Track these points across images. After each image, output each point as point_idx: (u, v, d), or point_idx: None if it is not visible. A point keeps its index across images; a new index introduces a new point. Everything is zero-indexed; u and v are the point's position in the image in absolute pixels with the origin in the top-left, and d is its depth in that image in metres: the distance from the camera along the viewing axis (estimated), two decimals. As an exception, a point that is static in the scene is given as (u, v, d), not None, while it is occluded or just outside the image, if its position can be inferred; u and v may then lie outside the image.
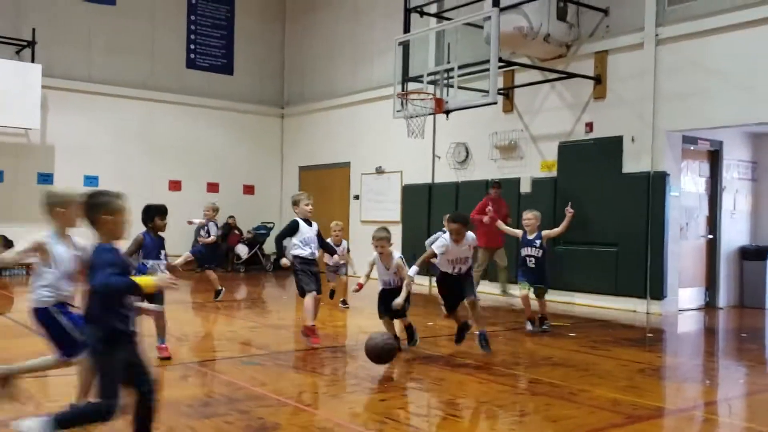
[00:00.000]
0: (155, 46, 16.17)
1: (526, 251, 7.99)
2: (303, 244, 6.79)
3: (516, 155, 12.05)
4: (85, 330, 3.24)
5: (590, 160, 10.82)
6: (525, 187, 11.72)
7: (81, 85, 14.95)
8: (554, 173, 11.41)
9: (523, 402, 4.91)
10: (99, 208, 3.19)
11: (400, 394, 5.16)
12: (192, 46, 16.84)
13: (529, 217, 8.10)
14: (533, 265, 7.91)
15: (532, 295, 8.00)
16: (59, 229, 3.83)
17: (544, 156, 11.64)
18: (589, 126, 11.00)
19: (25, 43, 14.16)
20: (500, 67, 10.31)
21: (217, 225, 10.67)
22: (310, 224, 6.94)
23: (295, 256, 6.78)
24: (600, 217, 10.56)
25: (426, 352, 6.61)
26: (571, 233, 10.95)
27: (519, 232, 8.16)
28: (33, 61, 14.07)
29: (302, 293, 6.78)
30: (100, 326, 3.10)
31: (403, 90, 10.74)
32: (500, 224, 8.66)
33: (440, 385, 5.35)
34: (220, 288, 10.44)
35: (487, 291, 11.60)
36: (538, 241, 7.91)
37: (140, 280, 3.20)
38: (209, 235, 10.46)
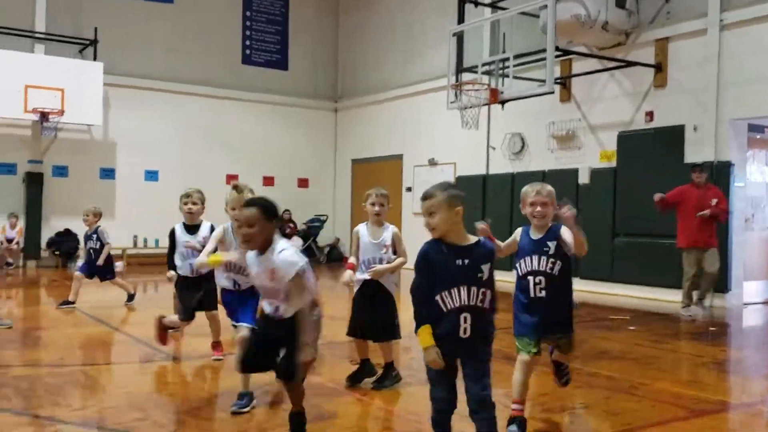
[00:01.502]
0: (212, 43, 16.45)
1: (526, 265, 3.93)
2: None
3: (574, 145, 11.82)
4: None
5: (651, 150, 10.54)
6: (583, 178, 11.49)
7: (141, 82, 15.33)
8: (614, 163, 11.16)
9: (583, 395, 4.82)
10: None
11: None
12: (247, 42, 17.08)
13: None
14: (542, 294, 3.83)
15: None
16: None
17: (604, 146, 11.39)
18: (650, 115, 10.71)
19: (87, 42, 14.58)
20: (557, 57, 10.14)
21: (103, 233, 8.66)
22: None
23: None
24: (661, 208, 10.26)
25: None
26: (630, 225, 10.75)
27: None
28: (95, 59, 14.48)
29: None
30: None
31: (457, 81, 10.66)
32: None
33: (498, 377, 5.27)
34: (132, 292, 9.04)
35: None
36: (551, 244, 3.80)
37: None
38: (100, 245, 8.58)
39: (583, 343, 6.81)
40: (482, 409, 2.94)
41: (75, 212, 14.16)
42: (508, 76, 9.98)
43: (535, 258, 3.78)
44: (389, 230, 4.74)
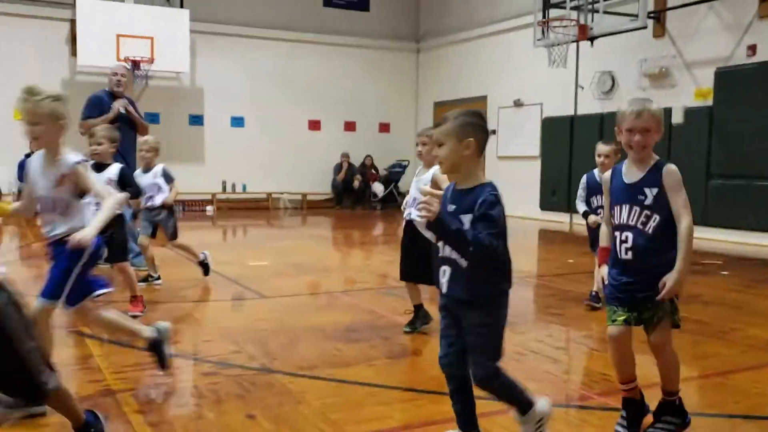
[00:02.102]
0: (293, -14, 16.43)
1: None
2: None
3: (667, 83, 11.28)
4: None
5: (752, 88, 9.92)
6: (677, 118, 10.97)
7: (224, 29, 15.55)
8: (710, 102, 10.59)
9: (671, 339, 4.72)
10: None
11: (539, 327, 5.11)
12: (329, -16, 16.96)
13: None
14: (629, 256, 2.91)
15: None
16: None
17: (699, 84, 10.81)
18: (752, 49, 10.05)
19: (174, -11, 14.86)
20: (650, -12, 9.61)
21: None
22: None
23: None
24: (761, 149, 9.73)
25: (566, 288, 6.49)
26: (726, 167, 10.25)
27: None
28: (182, 6, 14.76)
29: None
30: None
31: (544, 17, 10.30)
32: None
33: (581, 321, 5.24)
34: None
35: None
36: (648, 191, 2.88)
37: None
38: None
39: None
40: (477, 383, 2.56)
41: (168, 157, 14.71)
42: (597, 11, 9.57)
43: (625, 208, 2.82)
44: (430, 172, 4.35)
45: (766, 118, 9.71)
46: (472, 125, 2.50)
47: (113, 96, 7.24)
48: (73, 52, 14.00)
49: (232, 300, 5.98)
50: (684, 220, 2.73)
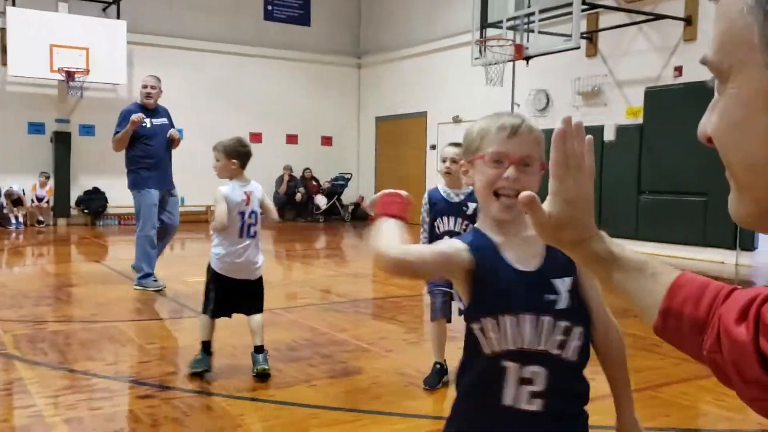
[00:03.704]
0: (234, -1, 16.33)
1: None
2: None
3: (600, 101, 11.66)
4: None
5: (679, 106, 10.35)
6: (609, 135, 11.35)
7: (163, 40, 15.31)
8: (640, 120, 11.00)
9: (605, 352, 4.85)
10: None
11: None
12: (269, -2, 16.92)
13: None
14: None
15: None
16: None
17: (630, 102, 11.22)
18: (678, 70, 10.49)
19: (110, 0, 14.56)
20: (583, 10, 9.92)
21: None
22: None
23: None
24: (688, 165, 10.14)
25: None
26: (656, 183, 10.64)
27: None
28: (119, 17, 14.48)
29: None
30: None
31: (481, 36, 10.51)
32: None
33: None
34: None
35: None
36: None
37: None
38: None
39: (606, 301, 6.82)
40: None
41: (103, 171, 14.39)
42: (533, 31, 9.81)
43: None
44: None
45: (692, 137, 10.06)
46: None
47: (143, 108, 7.02)
48: (3, 62, 13.55)
49: (169, 318, 5.86)
50: None
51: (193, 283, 7.31)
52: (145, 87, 7.09)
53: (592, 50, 11.69)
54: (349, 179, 17.16)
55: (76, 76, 13.56)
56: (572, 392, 1.55)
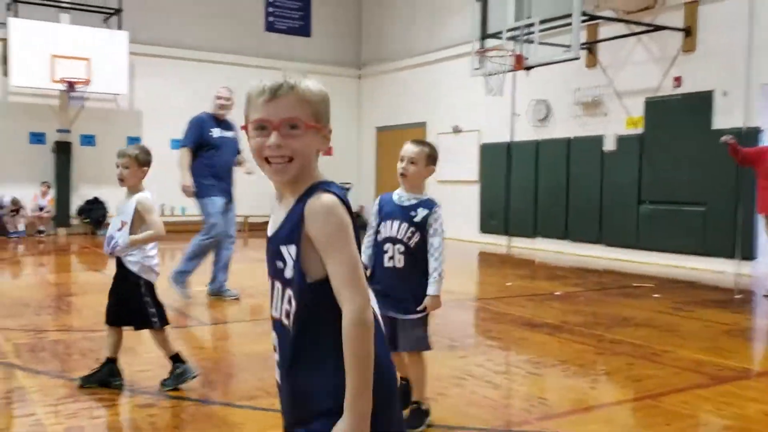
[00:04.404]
0: (235, 10, 16.41)
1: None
2: None
3: (599, 112, 11.69)
4: None
5: (678, 116, 10.41)
6: (609, 145, 11.39)
7: (164, 51, 15.37)
8: (640, 130, 11.03)
9: (604, 361, 4.86)
10: None
11: (479, 352, 5.19)
12: (270, 9, 17.00)
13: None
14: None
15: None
16: None
17: (630, 112, 11.25)
18: (678, 80, 10.54)
19: (112, 11, 14.62)
20: (583, 21, 9.99)
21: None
22: None
23: None
24: (687, 175, 10.19)
25: (505, 311, 6.61)
26: (658, 192, 10.67)
27: None
28: (120, 28, 14.54)
29: None
30: None
31: (481, 47, 10.56)
32: None
33: (520, 344, 5.35)
34: None
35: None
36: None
37: None
38: None
39: (607, 310, 6.83)
40: None
41: (103, 181, 14.41)
42: (533, 42, 9.86)
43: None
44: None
45: (691, 146, 10.17)
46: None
47: (215, 118, 6.99)
48: (5, 72, 13.60)
49: (170, 327, 5.85)
50: None
51: (194, 292, 7.32)
52: (219, 98, 7.11)
53: (592, 61, 11.74)
54: (349, 189, 17.19)
55: (77, 86, 13.60)
56: (296, 361, 1.52)
